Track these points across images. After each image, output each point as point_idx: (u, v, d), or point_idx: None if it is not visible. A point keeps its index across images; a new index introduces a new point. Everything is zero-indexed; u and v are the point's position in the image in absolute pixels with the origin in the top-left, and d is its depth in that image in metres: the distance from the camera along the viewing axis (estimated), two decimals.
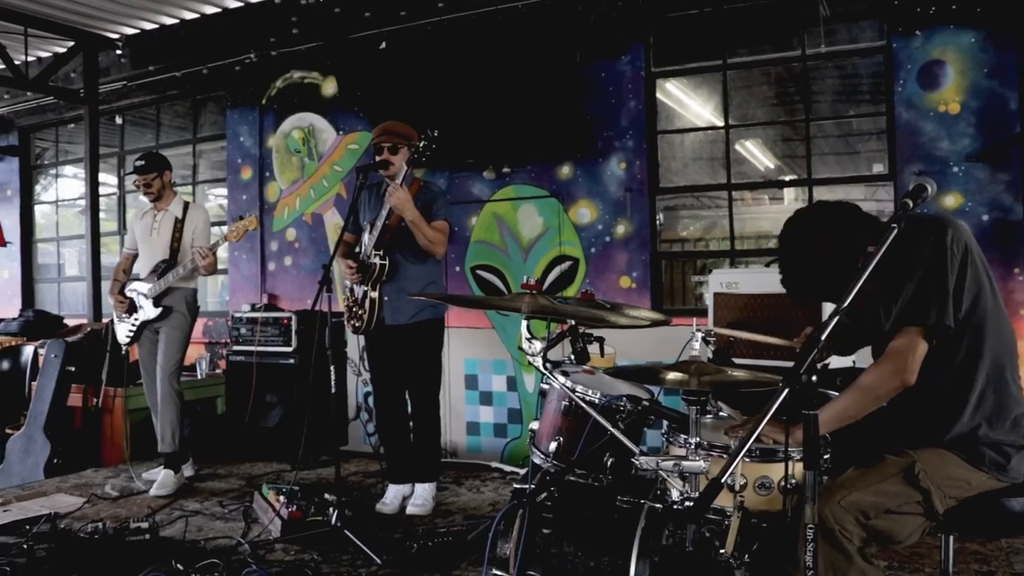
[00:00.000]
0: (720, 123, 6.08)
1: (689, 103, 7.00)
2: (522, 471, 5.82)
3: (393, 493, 4.86)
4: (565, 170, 6.16)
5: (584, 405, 2.28)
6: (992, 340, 2.36)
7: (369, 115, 6.85)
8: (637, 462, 2.21)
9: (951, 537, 2.48)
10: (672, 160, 6.61)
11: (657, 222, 6.12)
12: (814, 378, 1.81)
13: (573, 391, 2.45)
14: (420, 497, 4.80)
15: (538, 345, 2.36)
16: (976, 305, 2.34)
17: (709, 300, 4.63)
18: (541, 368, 2.37)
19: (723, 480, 1.73)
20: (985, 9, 5.02)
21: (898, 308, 2.32)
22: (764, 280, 4.45)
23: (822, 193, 6.14)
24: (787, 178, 9.26)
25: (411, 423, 4.89)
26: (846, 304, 1.92)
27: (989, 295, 2.36)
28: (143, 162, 5.48)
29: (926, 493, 2.28)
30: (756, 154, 8.86)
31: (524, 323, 2.41)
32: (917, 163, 5.21)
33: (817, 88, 6.08)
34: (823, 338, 1.87)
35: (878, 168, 5.89)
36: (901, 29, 5.24)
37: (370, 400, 6.65)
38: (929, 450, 2.35)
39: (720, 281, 4.57)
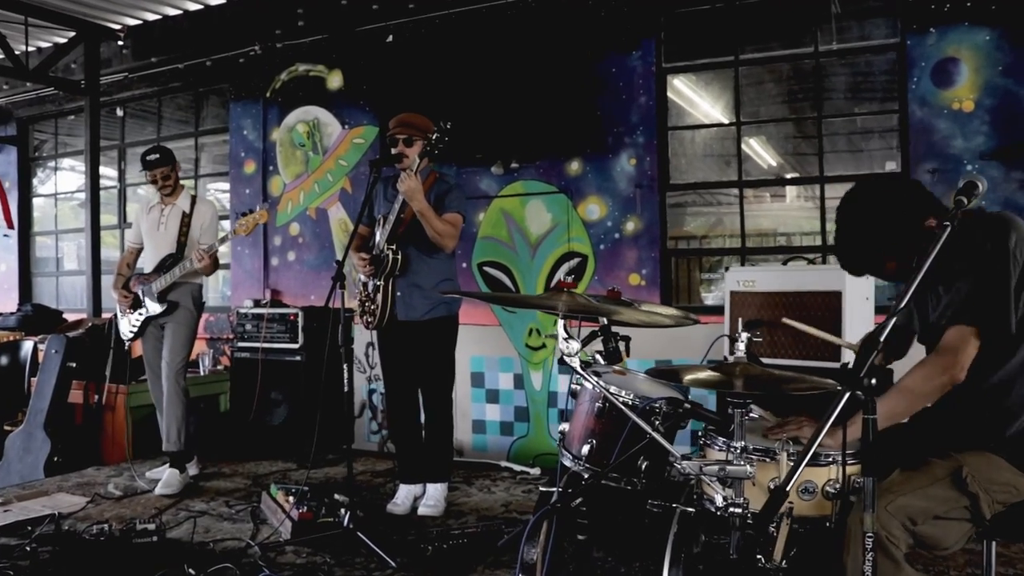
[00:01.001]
0: (730, 120, 6.02)
1: (698, 101, 6.95)
2: (532, 471, 5.82)
3: (404, 493, 4.78)
4: (574, 166, 6.10)
5: (623, 408, 2.21)
6: None
7: (375, 109, 6.78)
8: (679, 466, 2.14)
9: (993, 543, 2.42)
10: (682, 157, 6.55)
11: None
12: (874, 381, 1.75)
13: (613, 394, 2.38)
14: (432, 498, 4.73)
15: (575, 345, 2.29)
16: None
17: (726, 299, 4.56)
18: (577, 368, 2.30)
19: (788, 488, 1.66)
20: (1000, 7, 4.97)
21: (952, 306, 2.28)
22: (781, 278, 4.39)
23: (834, 191, 6.10)
24: (792, 176, 9.24)
25: (423, 422, 4.81)
26: (903, 305, 1.85)
27: None
28: (157, 156, 5.39)
29: (974, 498, 2.22)
30: (760, 152, 8.83)
31: (560, 322, 2.34)
32: (931, 161, 5.16)
33: (829, 85, 6.03)
34: (882, 340, 1.80)
35: (891, 166, 5.85)
36: (915, 26, 5.19)
37: (375, 398, 6.59)
38: (975, 453, 2.29)
39: (737, 279, 4.50)
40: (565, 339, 2.30)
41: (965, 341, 2.24)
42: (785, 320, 3.39)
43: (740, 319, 4.27)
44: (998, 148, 5.00)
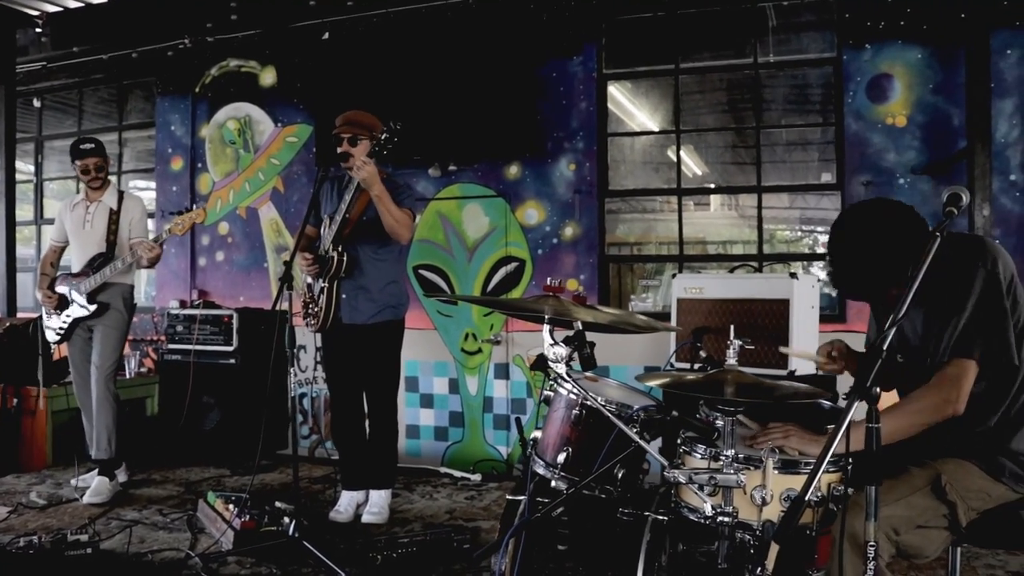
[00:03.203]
0: (667, 129, 6.09)
1: (635, 111, 7.00)
2: (473, 477, 5.77)
3: (347, 500, 4.67)
4: (513, 170, 6.09)
5: (611, 417, 2.18)
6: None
7: (310, 107, 6.65)
8: (668, 475, 2.13)
9: (959, 549, 2.47)
10: (621, 163, 6.59)
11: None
12: (878, 390, 1.77)
13: (599, 404, 2.35)
14: (376, 505, 4.63)
15: (562, 351, 2.25)
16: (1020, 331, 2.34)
17: (672, 305, 4.59)
18: (563, 375, 2.27)
19: (807, 497, 1.66)
20: (931, 27, 5.16)
21: (950, 339, 2.31)
22: (729, 285, 4.45)
23: (748, 200, 6.22)
24: (730, 184, 9.40)
25: (367, 427, 4.71)
26: (901, 315, 1.88)
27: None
28: (92, 145, 5.15)
29: (952, 506, 2.26)
30: (686, 161, 8.94)
31: (546, 328, 2.30)
32: (865, 174, 5.32)
33: (767, 96, 6.15)
34: (884, 348, 1.82)
35: (826, 177, 5.98)
36: (851, 41, 5.35)
37: (304, 401, 6.45)
38: (951, 461, 2.34)
39: (683, 286, 4.54)
40: (551, 344, 2.27)
41: (965, 373, 2.28)
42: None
43: (696, 325, 4.37)
44: (929, 163, 5.17)
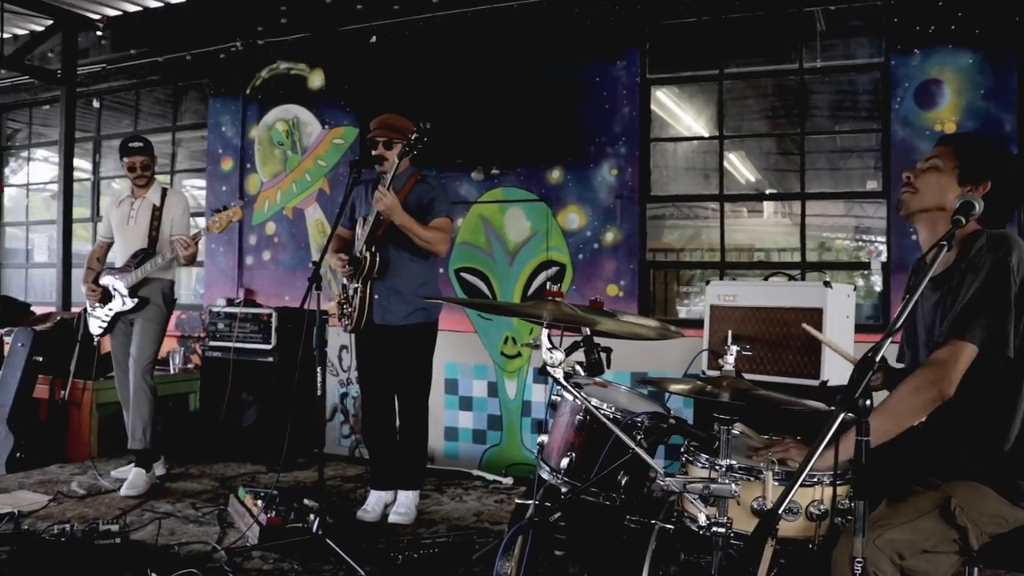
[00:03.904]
0: (712, 134, 6.02)
1: (681, 114, 6.94)
2: (505, 480, 5.76)
3: (375, 500, 4.71)
4: (555, 174, 6.07)
5: (608, 423, 2.16)
6: None
7: (356, 110, 6.71)
8: (662, 483, 2.10)
9: (975, 570, 2.38)
10: (663, 169, 6.54)
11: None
12: (869, 402, 1.72)
13: (596, 408, 2.33)
14: (403, 505, 4.66)
15: (559, 355, 2.24)
16: None
17: (706, 312, 4.53)
18: (560, 380, 2.26)
19: (780, 511, 1.62)
20: (984, 31, 5.00)
21: (948, 320, 2.26)
22: (762, 293, 4.37)
23: (814, 207, 6.11)
24: (771, 191, 9.27)
25: (398, 427, 4.74)
26: (899, 324, 1.82)
27: None
28: (141, 144, 5.29)
29: (963, 531, 2.17)
30: (738, 167, 8.85)
31: (545, 332, 2.29)
32: None
33: (812, 103, 6.04)
34: (878, 359, 1.77)
35: (871, 185, 5.86)
36: (899, 46, 5.21)
37: (347, 401, 6.51)
38: (962, 483, 2.25)
39: (717, 293, 4.48)
40: (549, 349, 2.25)
41: (957, 356, 2.20)
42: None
43: (728, 333, 4.30)
44: None
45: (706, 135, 6.58)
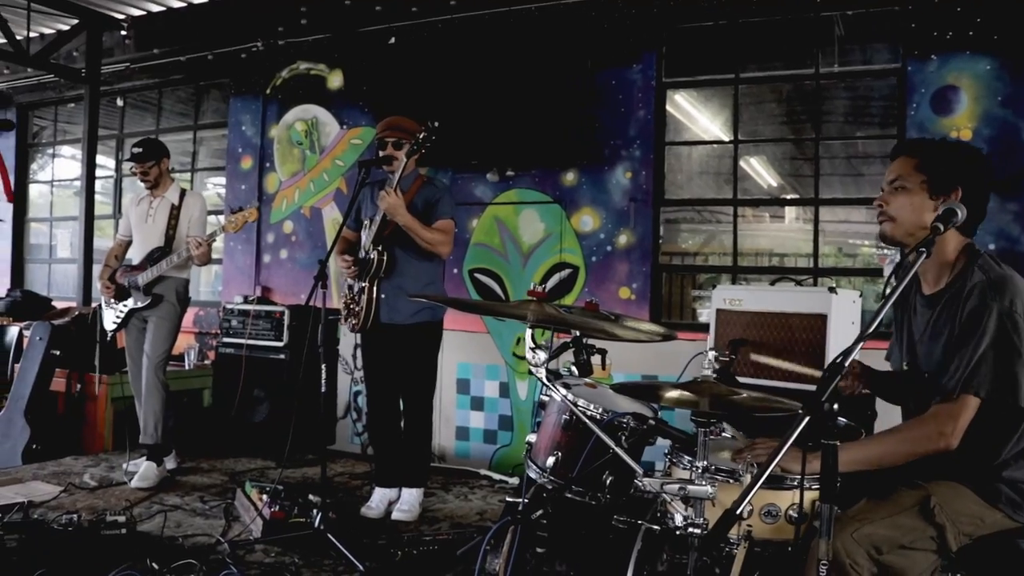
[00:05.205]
0: (727, 138, 6.00)
1: (697, 116, 6.92)
2: (511, 480, 5.78)
3: (379, 497, 4.75)
4: (569, 176, 6.08)
5: (587, 421, 2.18)
6: None
7: (374, 110, 6.76)
8: (640, 483, 2.11)
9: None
10: (678, 172, 6.53)
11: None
12: (836, 406, 1.72)
13: (575, 405, 2.35)
14: (407, 503, 4.69)
15: (542, 355, 2.26)
16: None
17: (712, 317, 4.53)
18: (543, 380, 2.27)
19: (739, 511, 1.63)
20: (1002, 37, 4.95)
21: (958, 374, 2.23)
22: (768, 298, 4.36)
23: (837, 213, 6.08)
24: (790, 196, 9.22)
25: (402, 426, 4.78)
26: (871, 330, 1.82)
27: None
28: (140, 150, 5.37)
29: (940, 529, 2.18)
30: (760, 171, 8.80)
31: (528, 332, 2.31)
32: None
33: (827, 108, 6.01)
34: (847, 364, 1.77)
35: None
36: (917, 52, 5.17)
37: (360, 399, 6.55)
38: (943, 483, 2.26)
39: (723, 297, 4.47)
40: (532, 349, 2.27)
41: (965, 408, 2.21)
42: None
43: (728, 337, 4.30)
44: (994, 179, 4.95)
45: (722, 139, 6.56)
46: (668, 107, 6.09)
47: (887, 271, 5.31)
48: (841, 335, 4.08)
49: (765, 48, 5.78)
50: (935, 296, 2.41)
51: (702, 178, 7.33)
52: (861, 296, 4.37)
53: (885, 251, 8.39)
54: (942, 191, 2.38)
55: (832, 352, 4.01)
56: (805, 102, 6.07)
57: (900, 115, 5.26)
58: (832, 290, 4.08)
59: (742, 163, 7.13)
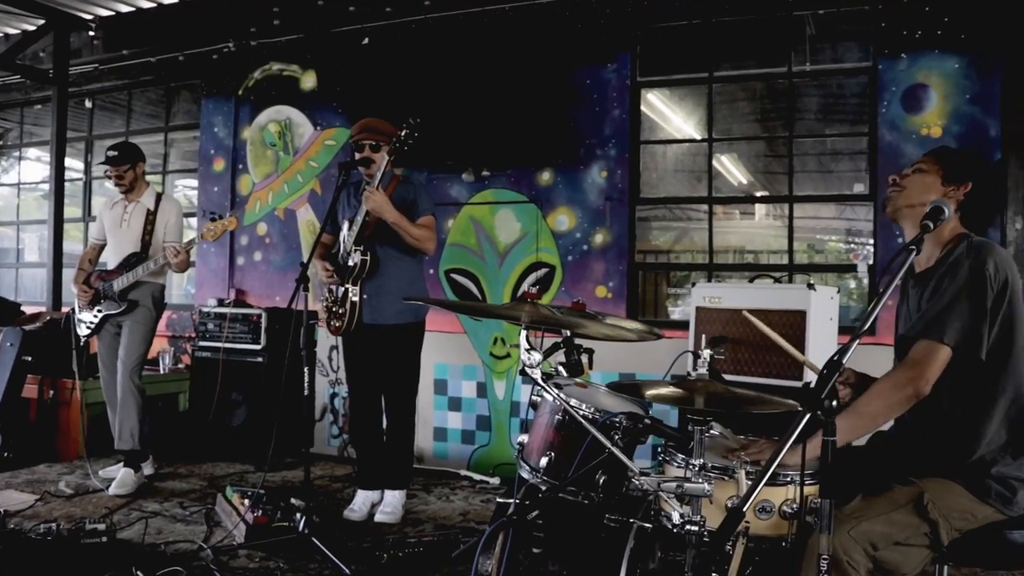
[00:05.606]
0: (702, 136, 6.05)
1: (671, 116, 6.97)
2: (492, 480, 5.78)
3: (362, 499, 4.73)
4: (545, 176, 6.09)
5: (584, 422, 2.19)
6: (1016, 375, 2.34)
7: (348, 111, 6.73)
8: (637, 482, 2.12)
9: (946, 567, 2.42)
10: (652, 171, 6.57)
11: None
12: (835, 403, 1.74)
13: (573, 407, 2.36)
14: (390, 505, 4.68)
15: (537, 356, 2.27)
16: (1007, 339, 2.32)
17: (691, 314, 4.56)
18: (539, 380, 2.28)
19: (745, 508, 1.65)
20: (970, 36, 5.04)
21: (924, 320, 2.32)
22: (747, 295, 4.41)
23: (806, 210, 6.15)
24: (764, 193, 9.31)
25: (385, 427, 4.77)
26: (866, 327, 1.85)
27: (1021, 331, 2.35)
28: (116, 153, 5.29)
29: (934, 524, 2.24)
30: (731, 169, 8.89)
31: (523, 333, 2.32)
32: None
33: (801, 106, 6.08)
34: (844, 361, 1.80)
35: (859, 188, 5.90)
36: (887, 51, 5.25)
37: (336, 402, 6.52)
38: (935, 480, 2.31)
39: (703, 295, 4.51)
40: (527, 350, 2.28)
41: (932, 355, 2.26)
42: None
43: (704, 335, 4.33)
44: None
45: (696, 137, 6.61)
46: (643, 106, 6.12)
47: (861, 267, 5.40)
48: (820, 331, 4.14)
49: (738, 47, 5.84)
50: (925, 274, 2.49)
51: (676, 176, 7.39)
52: (839, 292, 4.42)
53: (855, 247, 8.52)
54: (954, 180, 2.51)
55: (812, 348, 4.06)
56: (778, 100, 6.14)
57: (871, 113, 5.33)
58: (811, 286, 4.13)
59: (714, 161, 7.22)
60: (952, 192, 2.48)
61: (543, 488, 2.53)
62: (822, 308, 4.16)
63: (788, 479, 2.23)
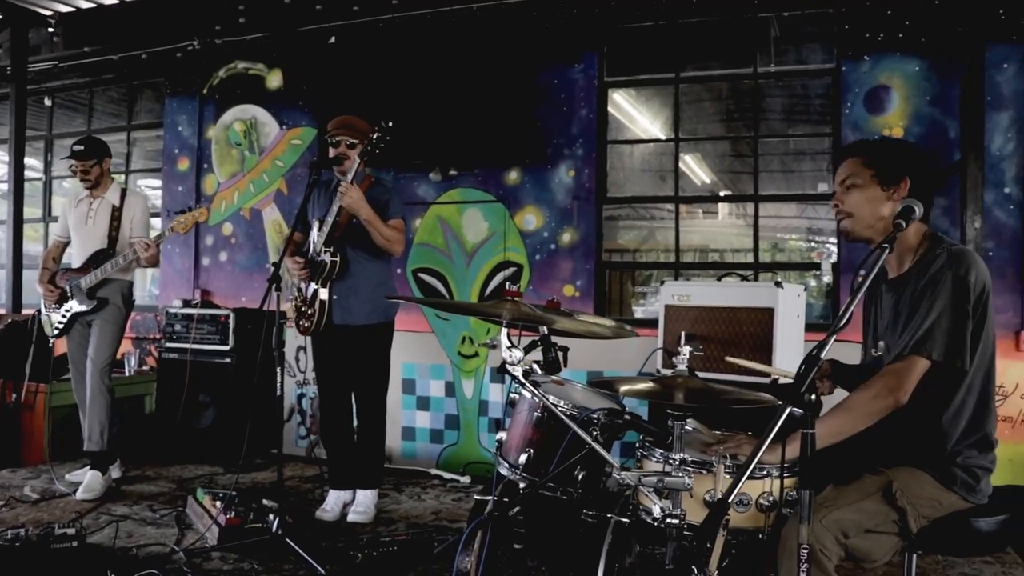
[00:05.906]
0: (667, 136, 6.10)
1: (637, 116, 7.03)
2: (463, 479, 5.80)
3: (334, 499, 4.72)
4: (513, 175, 6.12)
5: (565, 419, 2.22)
6: (984, 372, 2.42)
7: (315, 110, 6.71)
8: (618, 477, 2.16)
9: (915, 556, 2.49)
10: (619, 171, 6.62)
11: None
12: (814, 397, 1.79)
13: (553, 404, 2.39)
14: (362, 504, 4.68)
15: (519, 353, 2.29)
16: (977, 339, 2.38)
17: (660, 312, 4.62)
18: (519, 378, 2.31)
19: (730, 500, 1.68)
20: (930, 40, 5.15)
21: (911, 336, 2.34)
22: (716, 293, 4.46)
23: (767, 209, 6.24)
24: (728, 193, 9.42)
25: (356, 427, 4.76)
26: (843, 324, 1.90)
27: (991, 332, 2.42)
28: (82, 147, 5.22)
29: (902, 512, 2.30)
30: (694, 168, 8.97)
31: (504, 331, 2.34)
32: None
33: (766, 106, 6.16)
34: (822, 356, 1.85)
35: (823, 187, 5.99)
36: (850, 53, 5.34)
37: (304, 402, 6.50)
38: (903, 469, 2.38)
39: (672, 293, 4.56)
40: (508, 348, 2.30)
41: (914, 368, 2.32)
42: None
43: (682, 332, 4.39)
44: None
45: (662, 138, 6.68)
46: (609, 107, 6.17)
47: (825, 266, 5.49)
48: (787, 328, 4.21)
49: (704, 48, 5.90)
50: (899, 279, 2.52)
51: (642, 176, 7.45)
52: (805, 290, 4.50)
53: (816, 245, 8.66)
54: (892, 182, 2.50)
55: (779, 345, 4.14)
56: (743, 101, 6.22)
57: (835, 113, 5.42)
58: (779, 284, 4.20)
59: (679, 161, 7.28)
60: (894, 194, 2.48)
61: (522, 484, 2.55)
62: (789, 306, 4.23)
63: (764, 472, 2.27)
